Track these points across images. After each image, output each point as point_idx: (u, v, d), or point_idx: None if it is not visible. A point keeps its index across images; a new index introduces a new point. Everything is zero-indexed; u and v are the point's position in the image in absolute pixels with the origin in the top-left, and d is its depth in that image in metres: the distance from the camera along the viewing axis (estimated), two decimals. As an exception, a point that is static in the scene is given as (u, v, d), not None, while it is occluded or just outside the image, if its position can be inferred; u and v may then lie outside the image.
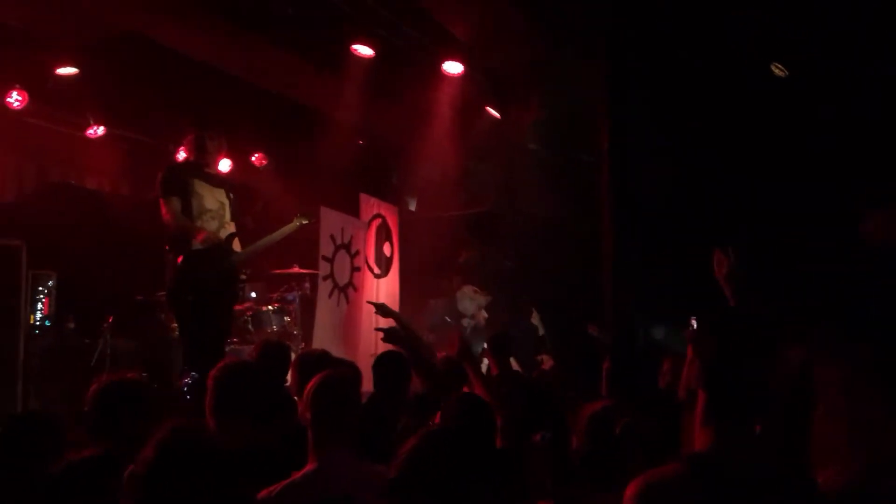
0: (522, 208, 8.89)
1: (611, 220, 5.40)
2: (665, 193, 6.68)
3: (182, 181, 5.23)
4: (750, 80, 6.30)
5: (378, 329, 4.70)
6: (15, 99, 6.72)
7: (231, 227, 5.51)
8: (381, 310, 4.97)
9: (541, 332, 7.68)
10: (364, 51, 6.85)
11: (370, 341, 8.54)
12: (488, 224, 9.37)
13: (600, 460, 2.54)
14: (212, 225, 5.27)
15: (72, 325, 7.14)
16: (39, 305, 6.56)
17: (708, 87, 6.40)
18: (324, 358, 3.68)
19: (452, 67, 7.33)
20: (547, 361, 6.87)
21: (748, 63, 6.37)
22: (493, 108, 8.19)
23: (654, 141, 6.72)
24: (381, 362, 3.88)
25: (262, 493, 2.32)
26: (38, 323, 6.53)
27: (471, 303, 8.82)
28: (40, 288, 6.58)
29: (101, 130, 7.63)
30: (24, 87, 6.76)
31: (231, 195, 5.62)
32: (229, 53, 6.98)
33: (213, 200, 5.38)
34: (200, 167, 5.44)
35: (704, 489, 1.67)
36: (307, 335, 7.98)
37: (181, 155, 6.69)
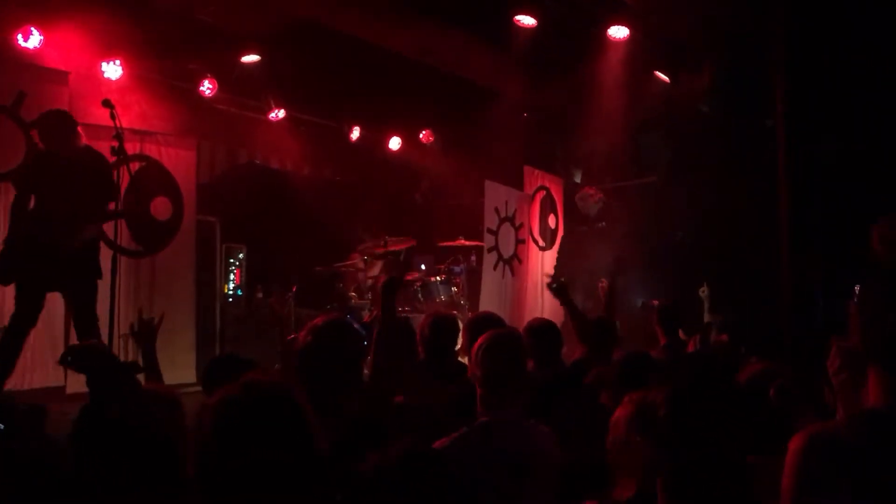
0: (694, 176, 8.52)
1: (788, 188, 5.06)
2: (848, 159, 6.17)
3: (33, 176, 5.13)
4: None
5: (547, 274, 4.73)
6: (206, 87, 7.31)
7: (91, 203, 5.17)
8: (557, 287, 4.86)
9: (707, 306, 7.38)
10: (527, 21, 6.82)
11: (535, 312, 8.59)
12: (658, 194, 9.08)
13: (756, 423, 2.44)
14: (63, 207, 5.00)
15: (260, 295, 7.75)
16: (232, 276, 7.16)
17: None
18: (493, 319, 3.74)
19: (618, 32, 7.13)
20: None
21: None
22: (663, 72, 7.88)
23: (837, 102, 6.21)
24: (534, 331, 3.87)
25: (437, 444, 2.43)
26: (230, 292, 7.13)
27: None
28: (231, 260, 7.17)
29: (281, 114, 8.13)
30: (213, 76, 7.34)
31: (97, 167, 5.24)
32: (396, 34, 7.20)
33: (66, 185, 5.09)
34: (56, 153, 5.16)
35: (872, 444, 1.57)
36: (473, 305, 8.14)
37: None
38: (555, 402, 3.24)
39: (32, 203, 5.08)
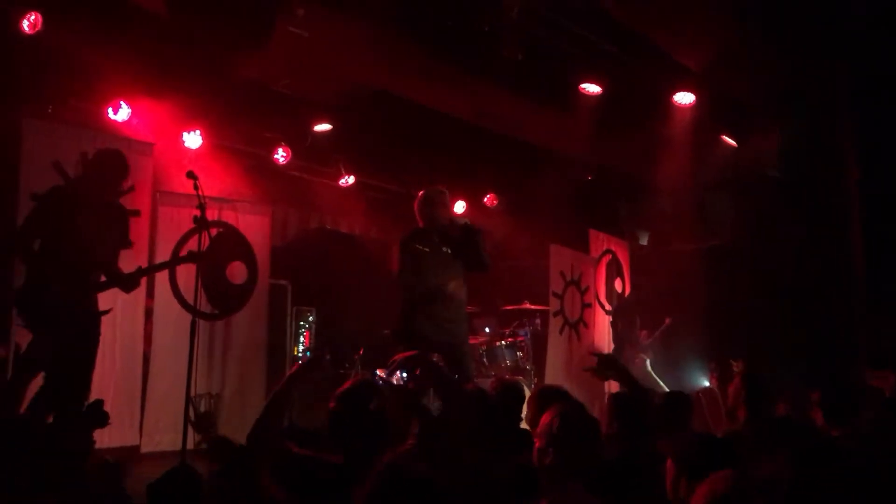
0: (763, 239, 8.36)
1: (862, 248, 4.93)
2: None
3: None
4: None
5: (593, 354, 4.59)
6: (280, 155, 7.59)
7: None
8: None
9: None
10: (592, 88, 6.91)
11: (602, 380, 8.44)
12: (727, 257, 8.93)
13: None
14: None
15: (328, 357, 7.84)
16: (301, 339, 7.28)
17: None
18: (561, 393, 3.70)
19: (684, 98, 7.15)
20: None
21: None
22: (729, 137, 7.84)
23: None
24: (620, 401, 3.77)
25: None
26: (300, 355, 7.23)
27: None
28: (301, 323, 7.30)
29: (351, 179, 8.36)
30: (287, 144, 7.62)
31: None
32: (462, 101, 7.37)
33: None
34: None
35: None
36: (539, 370, 8.07)
37: None
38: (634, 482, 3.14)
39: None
